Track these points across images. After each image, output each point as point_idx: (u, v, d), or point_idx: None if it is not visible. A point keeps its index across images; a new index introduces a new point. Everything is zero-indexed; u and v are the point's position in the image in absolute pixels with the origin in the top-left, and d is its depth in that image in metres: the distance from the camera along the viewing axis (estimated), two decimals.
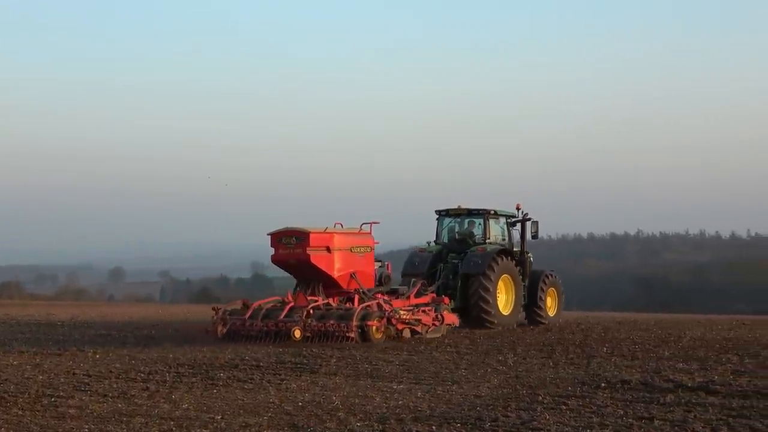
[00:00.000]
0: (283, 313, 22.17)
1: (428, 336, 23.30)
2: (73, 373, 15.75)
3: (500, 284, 27.76)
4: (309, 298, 23.14)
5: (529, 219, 29.57)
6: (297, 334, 21.15)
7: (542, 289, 29.49)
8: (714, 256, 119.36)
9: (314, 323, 21.57)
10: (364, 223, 25.21)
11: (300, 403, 12.43)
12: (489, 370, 16.11)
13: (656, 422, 10.82)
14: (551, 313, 30.06)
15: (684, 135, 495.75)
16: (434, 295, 25.62)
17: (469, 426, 10.69)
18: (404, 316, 22.95)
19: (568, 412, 11.57)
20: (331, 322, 21.56)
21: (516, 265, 28.57)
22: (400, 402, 12.50)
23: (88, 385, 14.34)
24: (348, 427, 10.65)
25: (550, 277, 30.16)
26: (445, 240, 29.70)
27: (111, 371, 16.05)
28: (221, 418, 11.31)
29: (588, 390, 13.51)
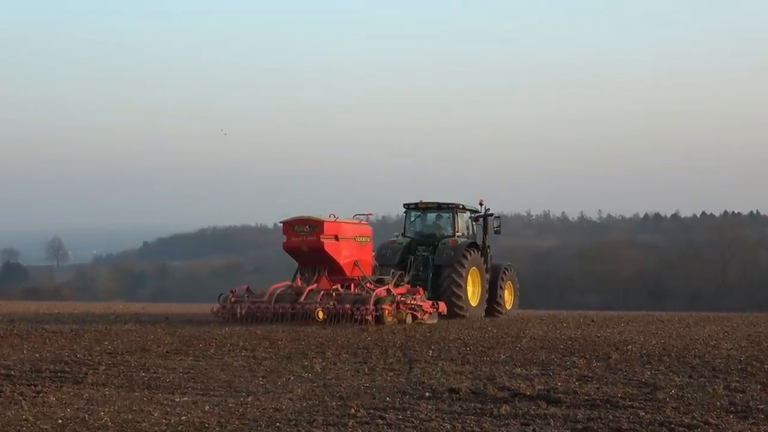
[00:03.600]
0: (303, 296, 27.00)
1: (428, 321, 28.07)
2: None
3: (469, 277, 32.11)
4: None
5: (492, 214, 34.69)
6: (320, 315, 26.22)
7: (502, 280, 34.59)
8: (560, 240, 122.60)
9: (334, 305, 26.46)
10: (356, 215, 30.70)
11: (60, 420, 12.04)
12: (292, 378, 16.07)
13: None
14: (508, 306, 35.14)
15: (526, 111, 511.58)
16: (409, 285, 30.03)
17: None
18: (409, 302, 27.83)
19: (385, 427, 11.54)
20: (348, 305, 26.46)
21: (481, 258, 32.94)
22: (183, 417, 12.23)
23: None
24: None
25: (508, 271, 35.10)
26: (413, 233, 34.08)
27: None
28: None
29: (409, 401, 13.54)
